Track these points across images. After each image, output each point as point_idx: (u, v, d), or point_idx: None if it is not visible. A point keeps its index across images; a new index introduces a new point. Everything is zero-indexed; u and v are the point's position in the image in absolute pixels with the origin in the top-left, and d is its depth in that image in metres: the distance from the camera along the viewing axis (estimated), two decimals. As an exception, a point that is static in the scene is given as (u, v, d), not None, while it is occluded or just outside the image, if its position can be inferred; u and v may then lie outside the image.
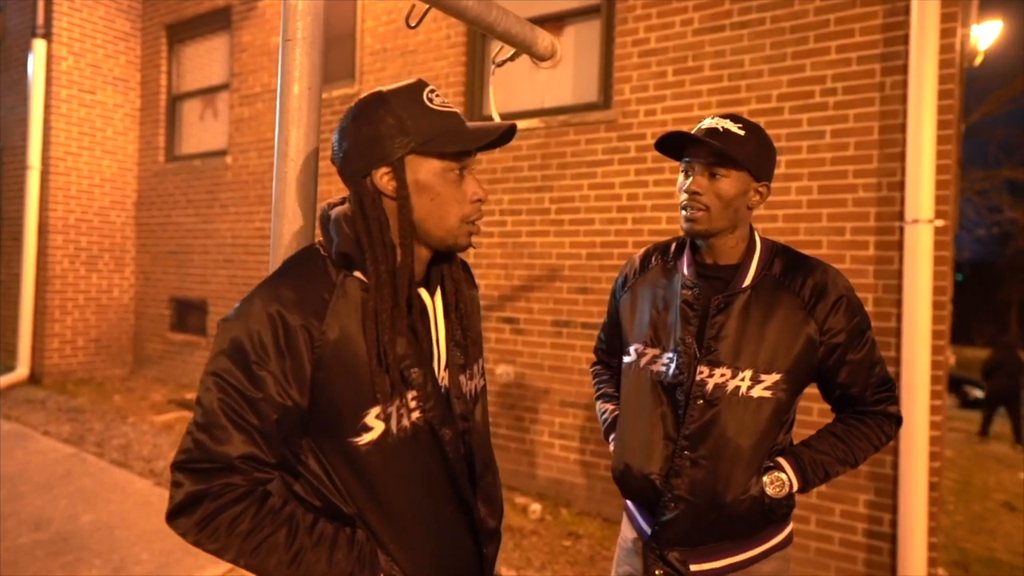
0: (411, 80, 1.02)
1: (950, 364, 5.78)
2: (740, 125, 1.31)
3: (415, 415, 1.02)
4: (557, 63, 1.71)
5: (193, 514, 0.92)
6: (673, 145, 1.38)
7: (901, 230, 2.97)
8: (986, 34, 5.89)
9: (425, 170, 0.99)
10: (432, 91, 1.01)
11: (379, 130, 0.97)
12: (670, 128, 3.61)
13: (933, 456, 2.90)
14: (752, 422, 1.32)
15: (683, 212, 1.36)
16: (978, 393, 13.13)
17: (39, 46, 6.26)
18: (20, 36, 6.73)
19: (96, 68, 6.68)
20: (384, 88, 1.00)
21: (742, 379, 1.32)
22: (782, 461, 1.35)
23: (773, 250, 1.41)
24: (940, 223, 2.89)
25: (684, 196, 1.35)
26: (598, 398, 1.68)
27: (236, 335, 0.94)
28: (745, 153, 1.29)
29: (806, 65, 3.25)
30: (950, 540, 4.28)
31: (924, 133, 2.88)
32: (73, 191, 6.53)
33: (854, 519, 3.07)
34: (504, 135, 1.04)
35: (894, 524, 2.96)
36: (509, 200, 4.23)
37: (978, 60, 5.89)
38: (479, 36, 4.43)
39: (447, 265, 1.11)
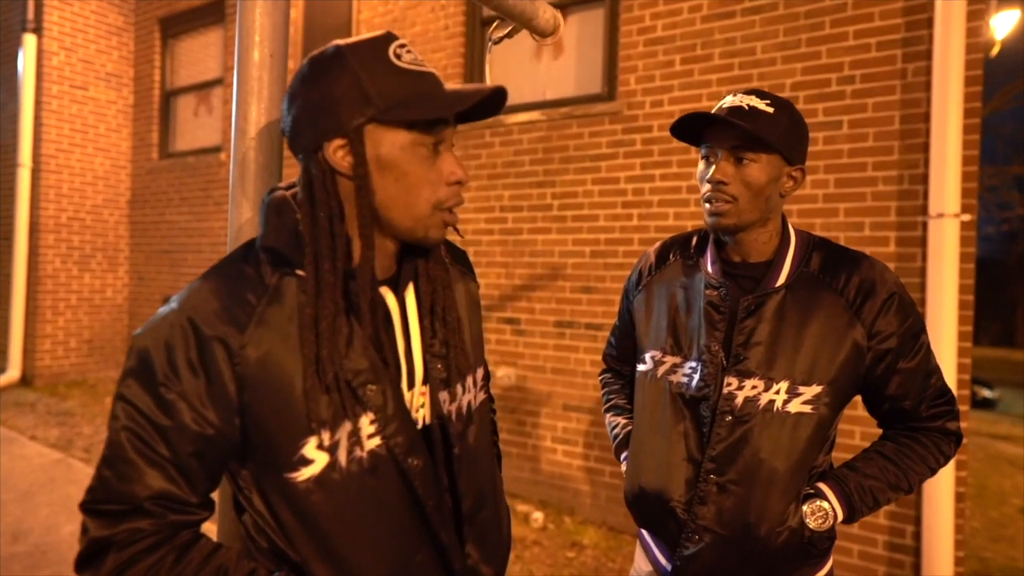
0: (377, 32, 0.84)
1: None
2: (768, 101, 1.14)
3: (373, 442, 0.84)
4: (559, 39, 1.55)
5: (100, 567, 0.76)
6: (691, 129, 1.21)
7: (924, 225, 2.81)
8: (1003, 24, 5.71)
9: (389, 143, 0.80)
10: (402, 46, 0.82)
11: (332, 93, 0.79)
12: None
13: (959, 464, 2.74)
14: (789, 442, 1.14)
15: (706, 205, 1.18)
16: (987, 393, 12.92)
17: (29, 41, 6.11)
18: (10, 31, 6.58)
19: (88, 63, 6.53)
20: (342, 41, 0.82)
21: (777, 392, 1.14)
22: (824, 487, 1.17)
23: (810, 243, 1.24)
24: (967, 217, 2.73)
25: (707, 187, 1.18)
26: (608, 410, 1.50)
27: (144, 351, 0.78)
28: (776, 133, 1.12)
29: (822, 52, 3.08)
30: (969, 549, 4.11)
31: (949, 122, 2.71)
32: (65, 189, 6.39)
33: (874, 530, 2.91)
34: (489, 101, 0.85)
35: (917, 536, 2.80)
36: (510, 196, 4.07)
37: (995, 51, 5.71)
38: (478, 26, 4.27)
39: (422, 259, 0.92)
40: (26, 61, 6.11)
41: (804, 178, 1.20)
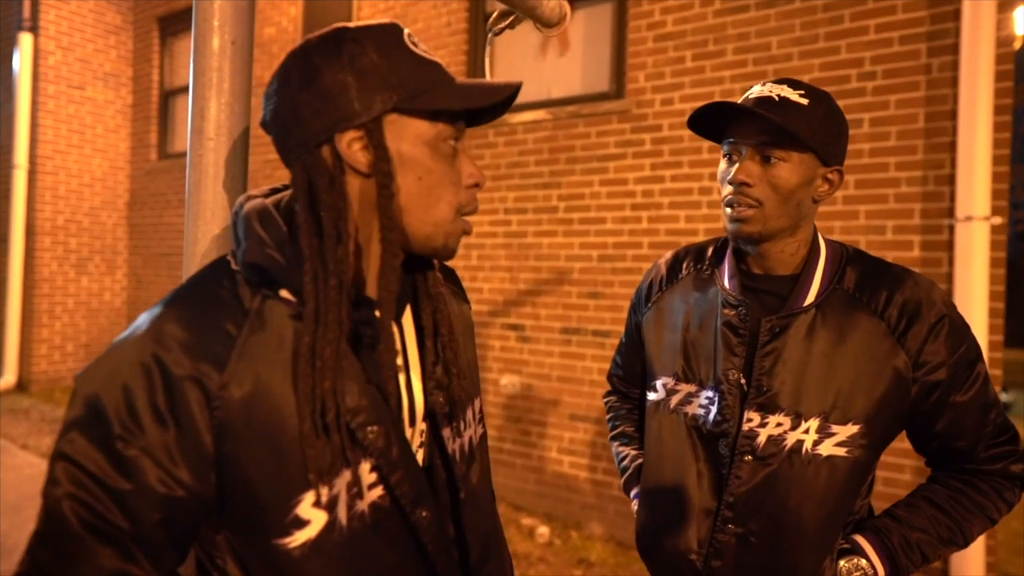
0: (383, 19, 0.72)
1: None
2: (802, 91, 0.99)
3: (375, 493, 0.71)
4: (565, 30, 1.42)
5: None
6: (711, 122, 1.06)
7: (951, 228, 2.66)
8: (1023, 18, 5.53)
9: (412, 136, 0.70)
10: (412, 34, 0.72)
11: (346, 77, 0.67)
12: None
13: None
14: (822, 489, 0.99)
15: (727, 209, 1.03)
16: (1003, 396, 12.74)
17: (25, 40, 6.00)
18: (5, 30, 6.47)
19: (85, 63, 6.41)
20: (349, 24, 0.70)
21: (806, 431, 0.99)
22: (862, 542, 1.02)
23: (843, 256, 1.08)
24: (997, 220, 2.58)
25: (728, 188, 1.03)
26: (614, 438, 1.34)
27: (93, 397, 0.63)
28: (810, 128, 0.97)
29: (841, 47, 2.94)
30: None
31: (978, 119, 2.57)
32: (62, 191, 6.28)
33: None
34: (506, 100, 0.74)
35: (945, 559, 2.65)
36: (514, 198, 3.93)
37: (1017, 44, 5.53)
38: (481, 22, 4.14)
39: (422, 275, 0.80)
40: (22, 60, 6.01)
41: (841, 181, 1.05)
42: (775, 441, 1.00)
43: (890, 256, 2.81)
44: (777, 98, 0.98)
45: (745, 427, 1.02)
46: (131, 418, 0.62)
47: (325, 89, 0.67)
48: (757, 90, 1.02)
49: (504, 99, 0.72)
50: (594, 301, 3.62)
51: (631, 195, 3.51)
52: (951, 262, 2.67)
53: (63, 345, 6.33)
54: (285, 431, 0.66)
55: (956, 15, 2.66)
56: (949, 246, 2.68)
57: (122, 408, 0.62)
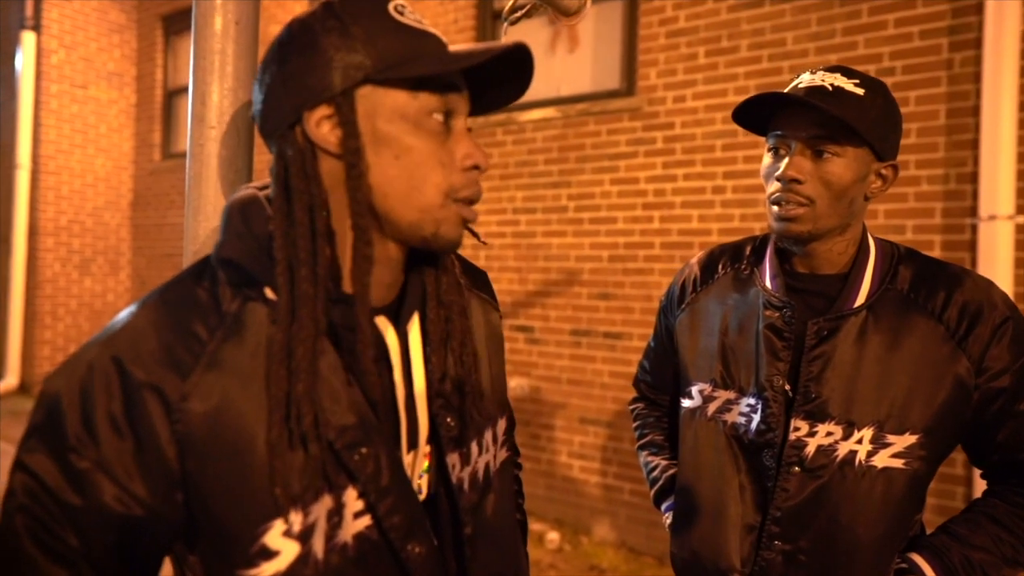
0: None
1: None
2: (857, 80, 0.93)
3: (361, 523, 0.64)
4: (583, 17, 1.35)
5: None
6: (755, 113, 1.00)
7: (974, 228, 2.59)
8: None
9: (389, 109, 0.62)
10: (403, 4, 0.64)
11: (315, 52, 0.61)
12: (701, 117, 3.25)
13: None
14: (877, 504, 0.93)
15: (774, 208, 0.97)
16: None
17: (28, 39, 5.96)
18: (8, 29, 6.42)
19: (89, 62, 6.37)
20: None
21: (859, 441, 0.93)
22: (920, 562, 0.95)
23: (894, 255, 1.02)
24: (1021, 219, 2.51)
25: (775, 185, 0.96)
26: (642, 447, 1.27)
27: (54, 400, 0.58)
28: (867, 121, 0.91)
29: (859, 42, 2.87)
30: None
31: (1003, 116, 2.50)
32: (65, 191, 6.23)
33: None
34: (512, 62, 0.65)
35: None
36: (523, 197, 3.86)
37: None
38: (489, 19, 4.08)
39: (432, 276, 0.71)
40: (25, 59, 5.96)
41: (896, 176, 0.99)
42: (825, 452, 0.94)
43: (910, 256, 2.74)
44: (831, 87, 0.92)
45: (792, 436, 0.96)
46: (85, 428, 0.57)
47: (294, 68, 0.62)
48: (807, 78, 0.96)
49: (490, 60, 0.63)
50: (604, 302, 3.55)
51: (642, 194, 3.44)
52: (974, 262, 2.59)
53: (66, 347, 6.28)
54: (254, 450, 0.59)
55: (979, 8, 2.59)
56: (972, 246, 2.61)
57: (77, 416, 0.57)
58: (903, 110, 2.70)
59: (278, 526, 0.59)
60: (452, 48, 0.63)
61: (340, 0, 0.63)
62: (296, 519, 0.60)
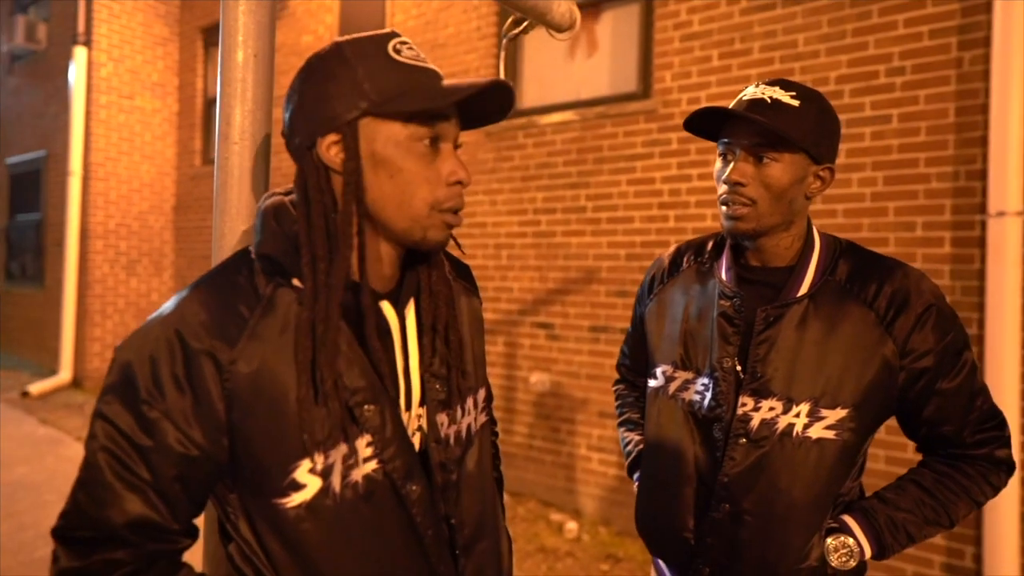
0: (380, 30, 0.80)
1: None
2: (793, 93, 1.04)
3: (369, 467, 0.79)
4: (576, 34, 1.47)
5: None
6: (707, 123, 1.11)
7: (983, 224, 2.62)
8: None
9: (384, 137, 0.77)
10: (403, 42, 0.79)
11: (328, 87, 0.76)
12: (716, 117, 3.32)
13: (1024, 482, 2.54)
14: (811, 470, 1.04)
15: (723, 208, 1.09)
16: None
17: (80, 53, 6.32)
18: (63, 45, 6.81)
19: (135, 74, 6.71)
20: (343, 38, 0.79)
21: (797, 415, 1.04)
22: (850, 521, 1.06)
23: (836, 249, 1.12)
24: (1030, 216, 2.53)
25: (723, 188, 1.08)
26: (621, 424, 1.41)
27: (126, 365, 0.73)
28: (801, 129, 1.02)
29: (869, 42, 2.92)
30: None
31: (1011, 113, 2.52)
32: (112, 196, 6.58)
33: (930, 551, 2.72)
34: (494, 98, 0.80)
35: (978, 559, 2.60)
36: (543, 198, 3.99)
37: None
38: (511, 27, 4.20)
39: (425, 270, 0.87)
40: (77, 72, 6.32)
41: (833, 177, 1.09)
42: (767, 424, 1.05)
43: (920, 253, 2.78)
44: (769, 100, 1.03)
45: (740, 411, 1.07)
46: (155, 385, 0.72)
47: (310, 99, 0.77)
48: (751, 92, 1.07)
49: (476, 94, 0.76)
50: (622, 299, 3.65)
51: (658, 194, 3.53)
52: (983, 258, 2.62)
53: (114, 343, 6.62)
54: (286, 403, 0.75)
55: (988, 7, 2.62)
56: (981, 242, 2.64)
57: (148, 376, 0.72)
58: (913, 109, 2.78)
59: (305, 464, 0.75)
60: (445, 82, 0.78)
61: (348, 42, 0.78)
62: (319, 460, 0.75)
